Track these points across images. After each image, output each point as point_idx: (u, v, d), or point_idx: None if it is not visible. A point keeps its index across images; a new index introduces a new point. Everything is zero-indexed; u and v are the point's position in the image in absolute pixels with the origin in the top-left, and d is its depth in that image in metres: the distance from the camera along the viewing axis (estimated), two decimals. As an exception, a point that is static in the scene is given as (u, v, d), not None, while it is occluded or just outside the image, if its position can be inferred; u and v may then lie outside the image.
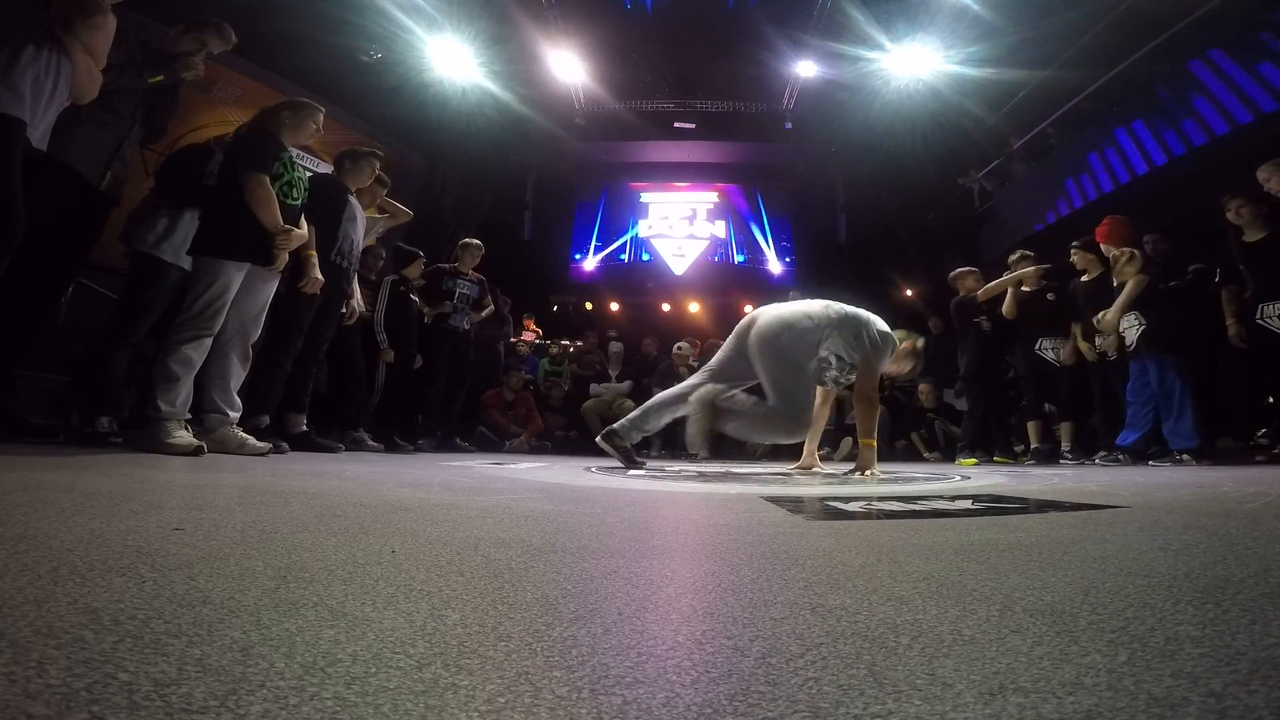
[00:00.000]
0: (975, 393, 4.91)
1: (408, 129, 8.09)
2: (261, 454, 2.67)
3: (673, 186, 11.53)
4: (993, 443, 4.92)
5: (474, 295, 5.11)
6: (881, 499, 1.68)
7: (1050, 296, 4.71)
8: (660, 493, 1.84)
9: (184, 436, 2.42)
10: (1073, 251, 4.58)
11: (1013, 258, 4.97)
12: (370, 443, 4.14)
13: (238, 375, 2.77)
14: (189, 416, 2.56)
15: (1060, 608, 0.58)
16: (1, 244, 2.24)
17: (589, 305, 10.90)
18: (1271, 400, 4.39)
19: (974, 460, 4.59)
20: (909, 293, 9.72)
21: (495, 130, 8.67)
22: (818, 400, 3.31)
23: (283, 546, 0.80)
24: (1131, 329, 3.95)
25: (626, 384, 6.73)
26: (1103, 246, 4.29)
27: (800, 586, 0.67)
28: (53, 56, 2.30)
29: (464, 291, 5.04)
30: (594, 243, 11.34)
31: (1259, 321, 3.68)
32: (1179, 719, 0.35)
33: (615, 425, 3.20)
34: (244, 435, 2.73)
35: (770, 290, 10.40)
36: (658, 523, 1.26)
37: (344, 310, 3.71)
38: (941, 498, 1.69)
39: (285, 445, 3.07)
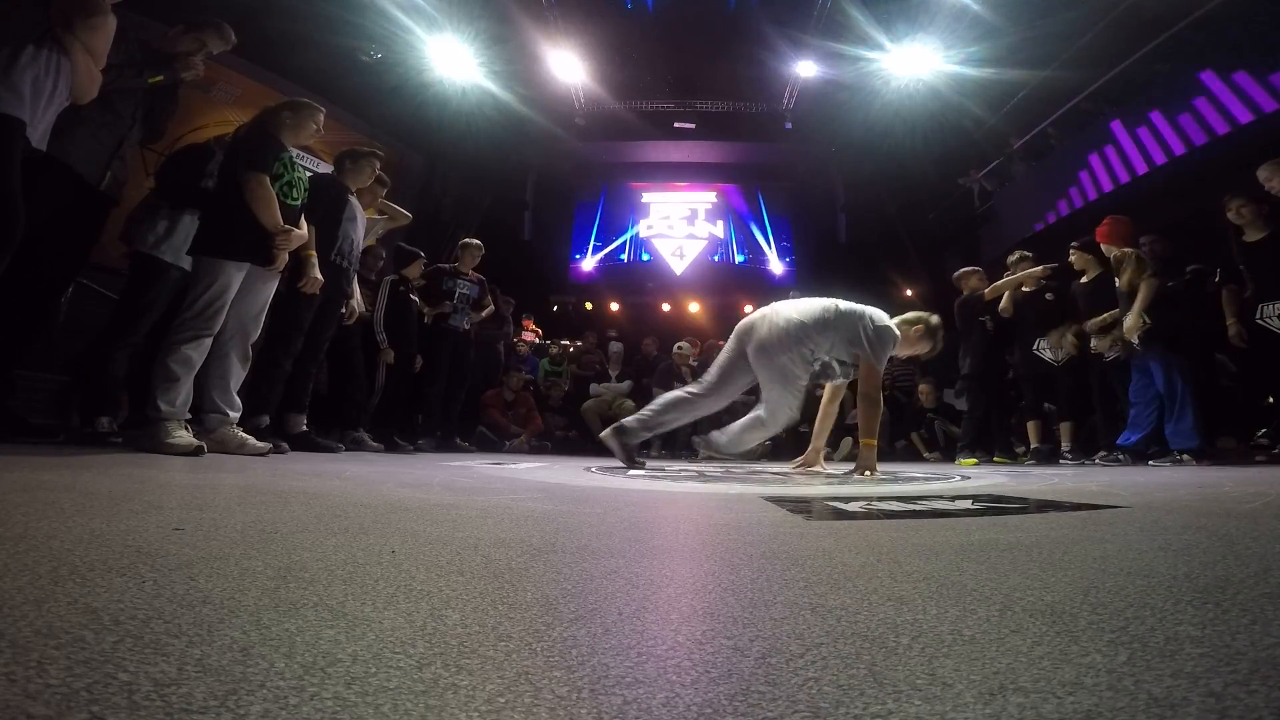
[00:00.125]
0: (975, 392, 4.91)
1: (408, 129, 8.09)
2: (261, 454, 2.67)
3: (673, 186, 11.54)
4: (993, 443, 4.92)
5: (474, 295, 5.11)
6: (881, 499, 1.68)
7: (1049, 296, 4.71)
8: (660, 493, 1.84)
9: (184, 436, 2.42)
10: (1071, 251, 4.58)
11: (1012, 258, 4.97)
12: (370, 443, 4.14)
13: (238, 375, 2.77)
14: (189, 416, 2.56)
15: (1060, 608, 0.58)
16: (1, 244, 2.25)
17: (589, 305, 10.90)
18: (1271, 400, 4.39)
19: (974, 460, 4.59)
20: (909, 293, 9.72)
21: (495, 130, 8.68)
22: (825, 397, 3.34)
23: (283, 546, 0.80)
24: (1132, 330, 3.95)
25: (626, 384, 6.73)
26: (1103, 247, 4.29)
27: (800, 586, 0.67)
28: (53, 56, 2.30)
29: (464, 291, 5.04)
30: (594, 243, 11.34)
31: (1259, 321, 3.68)
32: (1179, 719, 0.35)
33: (624, 422, 3.20)
34: (244, 435, 2.73)
35: (770, 290, 10.40)
36: (658, 523, 1.26)
37: (344, 310, 3.71)
38: (941, 498, 1.69)
39: (285, 445, 3.07)
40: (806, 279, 10.30)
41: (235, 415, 2.75)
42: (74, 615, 0.49)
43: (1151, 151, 6.36)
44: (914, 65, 7.51)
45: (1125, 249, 4.08)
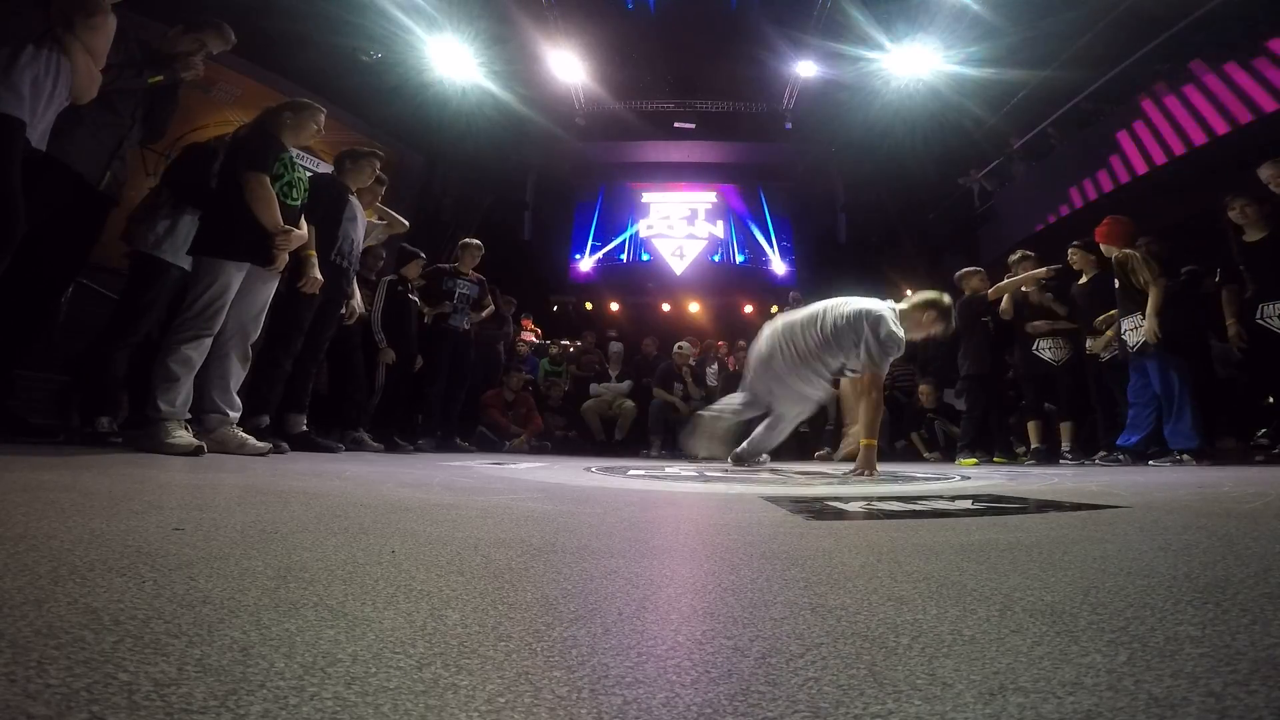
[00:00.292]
0: (975, 392, 4.91)
1: (408, 129, 8.09)
2: (261, 454, 2.67)
3: (673, 186, 11.53)
4: (993, 443, 4.92)
5: (474, 295, 5.11)
6: (881, 499, 1.68)
7: (1049, 296, 4.71)
8: (660, 493, 1.84)
9: (184, 436, 2.42)
10: (1071, 251, 4.58)
11: (1013, 258, 4.96)
12: (370, 443, 4.14)
13: (237, 375, 2.77)
14: (189, 416, 2.56)
15: (1060, 608, 0.58)
16: (1, 244, 2.24)
17: (589, 305, 10.90)
18: (1271, 400, 4.39)
19: (974, 460, 4.59)
20: (909, 293, 9.71)
21: (495, 130, 8.67)
22: (846, 390, 3.57)
23: (283, 546, 0.80)
24: (1133, 331, 3.95)
25: (626, 384, 6.72)
26: (1103, 247, 4.28)
27: (800, 586, 0.67)
28: (52, 56, 2.30)
29: (464, 291, 5.04)
30: (593, 243, 11.34)
31: (1259, 321, 3.67)
32: (1179, 719, 0.35)
33: (740, 451, 3.50)
34: (244, 435, 2.72)
35: (771, 290, 10.42)
36: (658, 523, 1.26)
37: (344, 310, 3.71)
38: (941, 498, 1.69)
39: (285, 445, 3.07)
40: (807, 279, 10.29)
41: (235, 415, 2.74)
42: (74, 615, 0.49)
43: (1151, 151, 6.36)
44: (914, 65, 7.50)
45: (1125, 249, 4.08)
